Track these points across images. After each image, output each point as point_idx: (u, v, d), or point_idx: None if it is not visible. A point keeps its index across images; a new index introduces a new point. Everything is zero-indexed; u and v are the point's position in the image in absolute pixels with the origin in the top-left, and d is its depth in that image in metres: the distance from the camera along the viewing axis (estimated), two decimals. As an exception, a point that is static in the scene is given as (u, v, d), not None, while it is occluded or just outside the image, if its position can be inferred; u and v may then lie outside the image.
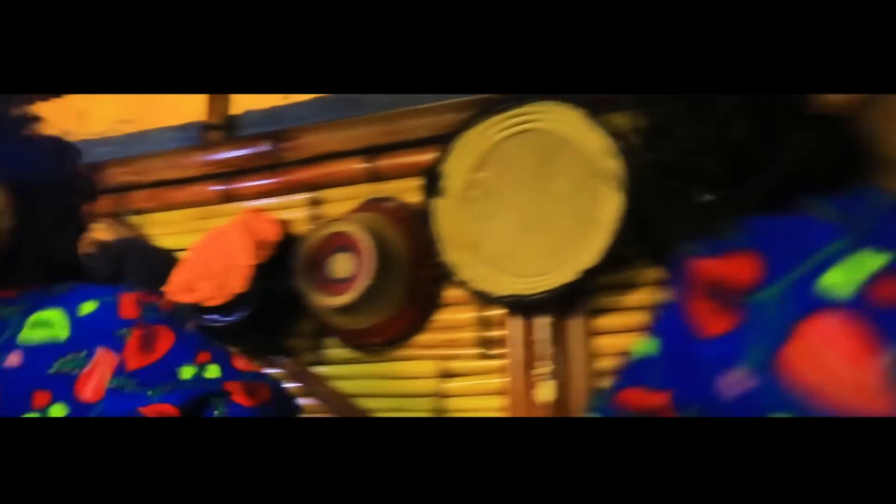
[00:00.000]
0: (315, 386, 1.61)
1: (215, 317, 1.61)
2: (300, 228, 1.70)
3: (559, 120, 1.41)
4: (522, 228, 1.43)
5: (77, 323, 1.01)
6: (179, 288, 1.63)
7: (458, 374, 1.53)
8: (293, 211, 1.73)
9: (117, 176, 1.87)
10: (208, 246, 1.66)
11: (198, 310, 1.60)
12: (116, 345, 1.00)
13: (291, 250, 1.64)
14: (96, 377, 0.98)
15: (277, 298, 1.63)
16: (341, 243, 1.48)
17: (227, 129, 1.87)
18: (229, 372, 1.09)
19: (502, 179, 1.45)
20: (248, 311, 1.60)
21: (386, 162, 1.65)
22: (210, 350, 1.10)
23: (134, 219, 1.90)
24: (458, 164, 1.47)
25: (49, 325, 1.02)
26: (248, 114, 1.89)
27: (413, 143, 1.61)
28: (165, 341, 1.05)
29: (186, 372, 1.06)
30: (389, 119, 1.65)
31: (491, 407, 1.46)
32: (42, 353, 1.00)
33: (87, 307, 1.02)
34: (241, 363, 1.14)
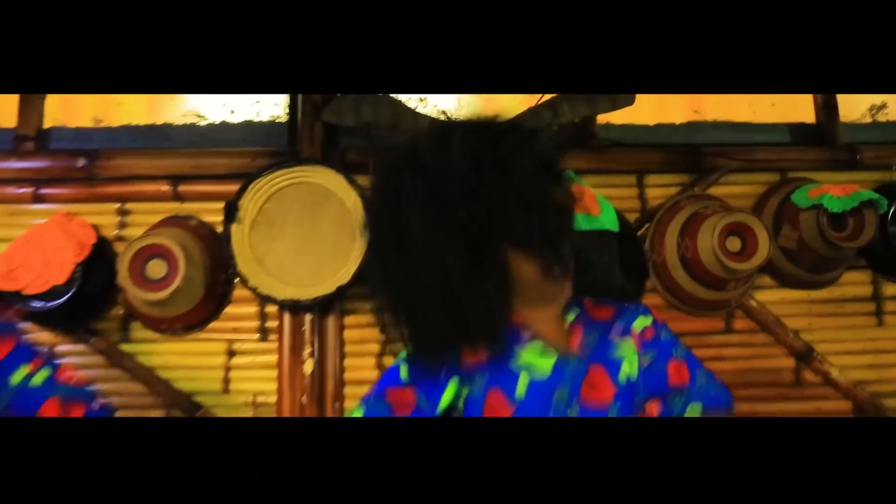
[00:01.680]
0: (123, 360, 2.05)
1: (37, 303, 1.97)
2: (109, 234, 2.11)
3: (326, 178, 2.02)
4: (297, 252, 2.01)
5: None
6: (1, 275, 1.96)
7: (242, 353, 2.08)
8: (102, 218, 2.12)
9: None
10: (27, 241, 2.00)
11: (19, 296, 1.95)
12: None
13: (103, 251, 2.05)
14: None
15: (91, 290, 2.03)
16: (157, 251, 1.94)
17: (38, 140, 2.17)
18: (52, 383, 1.32)
19: (283, 216, 2.01)
20: (65, 300, 1.99)
21: (188, 188, 2.13)
22: (42, 357, 1.32)
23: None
24: (251, 200, 2.00)
25: None
26: (58, 129, 2.22)
27: (211, 176, 2.12)
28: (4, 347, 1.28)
29: (18, 375, 1.28)
30: (193, 154, 2.13)
31: (267, 377, 2.05)
32: None
33: None
34: (65, 375, 1.36)
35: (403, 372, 1.13)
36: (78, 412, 1.33)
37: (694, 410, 1.21)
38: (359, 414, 1.13)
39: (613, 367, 1.15)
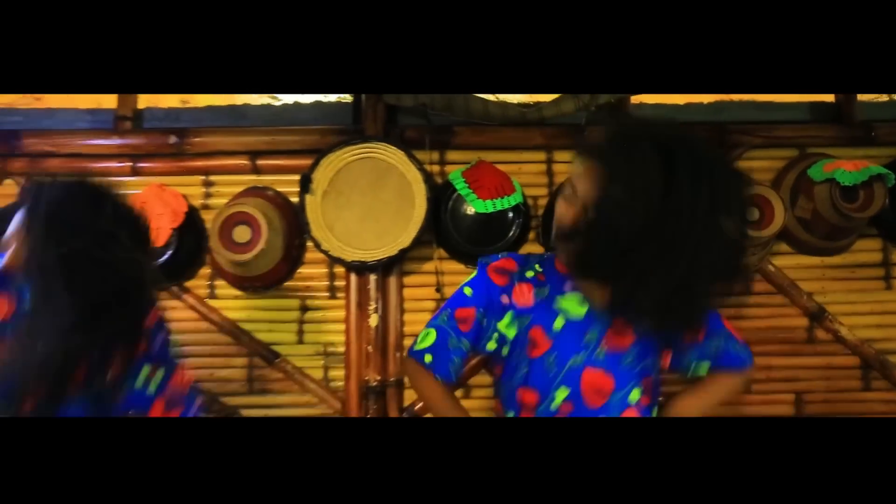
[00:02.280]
0: (210, 314, 2.36)
1: (139, 264, 2.27)
2: (196, 203, 2.40)
3: (388, 154, 2.28)
4: (362, 219, 2.28)
5: None
6: (108, 242, 2.26)
7: (314, 308, 2.38)
8: (190, 189, 2.41)
9: (33, 145, 2.40)
10: (129, 212, 2.30)
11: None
12: None
13: (192, 218, 2.35)
14: None
15: (183, 252, 2.33)
16: (243, 219, 2.22)
17: (135, 120, 2.46)
18: (163, 387, 1.49)
19: (350, 187, 2.28)
20: (163, 261, 2.28)
21: (264, 162, 2.40)
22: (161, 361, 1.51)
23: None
24: (322, 173, 2.27)
25: None
26: (151, 110, 2.50)
27: (285, 152, 2.39)
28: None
29: (141, 378, 1.47)
30: (269, 132, 2.40)
31: (336, 330, 2.34)
32: None
33: None
34: (177, 379, 1.51)
35: (468, 291, 1.42)
36: (175, 413, 1.51)
37: (702, 368, 1.47)
38: (432, 336, 1.40)
39: None
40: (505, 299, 1.39)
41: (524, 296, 1.39)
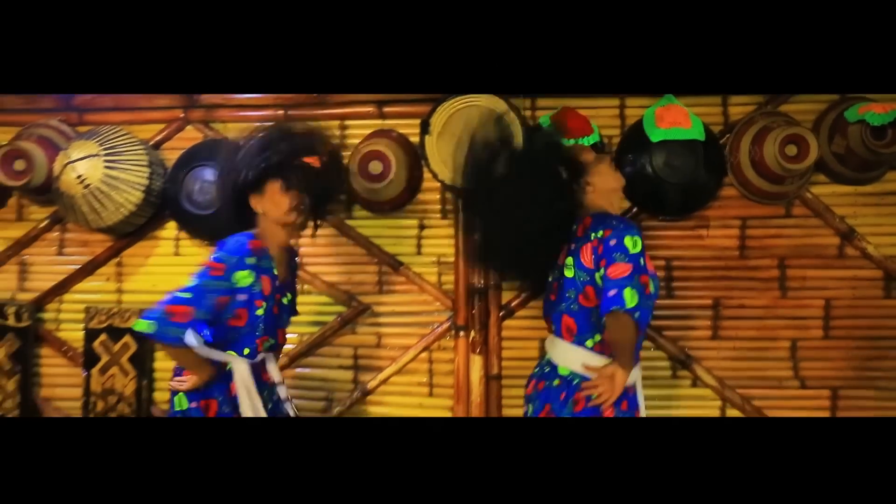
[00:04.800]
0: (349, 231, 3.00)
1: (295, 191, 2.91)
2: (334, 142, 3.01)
3: (491, 102, 2.82)
4: (469, 155, 2.85)
5: None
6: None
7: (430, 226, 2.99)
8: (330, 131, 3.02)
9: (207, 98, 3.05)
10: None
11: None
12: None
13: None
14: None
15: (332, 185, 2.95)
16: (376, 155, 2.82)
17: (285, 76, 3.07)
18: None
19: (460, 129, 2.84)
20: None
21: (389, 109, 3.00)
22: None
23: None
24: (438, 118, 2.84)
25: None
26: (297, 67, 3.11)
27: (405, 101, 2.97)
28: None
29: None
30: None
31: (447, 244, 2.94)
32: None
33: None
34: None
35: None
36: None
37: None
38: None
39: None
40: None
41: None
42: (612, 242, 2.05)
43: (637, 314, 1.98)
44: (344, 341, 3.03)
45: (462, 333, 2.91)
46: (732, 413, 2.83)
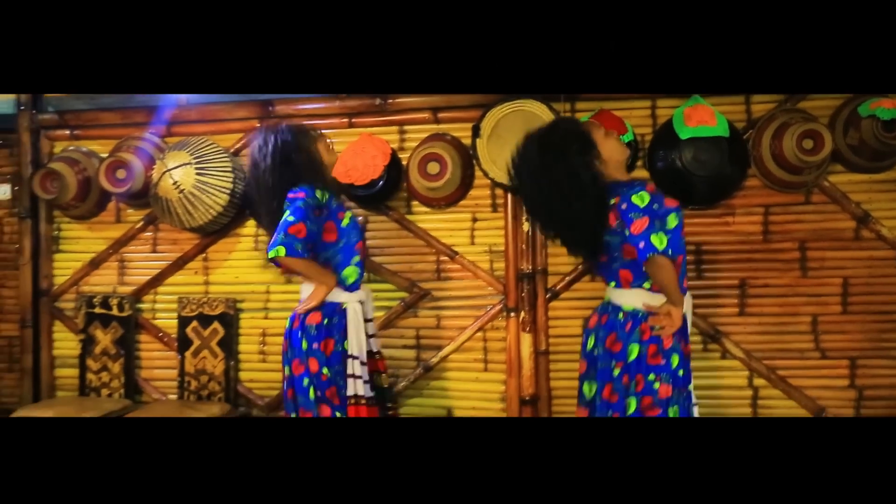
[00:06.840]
0: (409, 225, 3.36)
1: (362, 191, 3.27)
2: (394, 146, 3.37)
3: (535, 107, 3.15)
4: (516, 155, 3.19)
5: None
6: (341, 174, 3.27)
7: (481, 219, 3.34)
8: (390, 136, 3.39)
9: (281, 110, 3.43)
10: (353, 152, 3.28)
11: (350, 186, 3.26)
12: None
13: (394, 157, 3.32)
14: None
15: (390, 181, 3.31)
16: (433, 157, 3.18)
17: (348, 88, 3.44)
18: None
19: (508, 132, 3.17)
20: (378, 188, 3.28)
21: (443, 115, 3.35)
22: None
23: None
24: (488, 122, 3.18)
25: None
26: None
27: (458, 107, 3.32)
28: None
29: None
30: (445, 98, 3.33)
31: (497, 235, 3.29)
32: None
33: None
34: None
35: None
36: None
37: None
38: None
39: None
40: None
41: None
42: (624, 206, 2.33)
43: (669, 251, 2.27)
44: (407, 323, 3.40)
45: (513, 314, 3.26)
46: (759, 382, 3.14)
